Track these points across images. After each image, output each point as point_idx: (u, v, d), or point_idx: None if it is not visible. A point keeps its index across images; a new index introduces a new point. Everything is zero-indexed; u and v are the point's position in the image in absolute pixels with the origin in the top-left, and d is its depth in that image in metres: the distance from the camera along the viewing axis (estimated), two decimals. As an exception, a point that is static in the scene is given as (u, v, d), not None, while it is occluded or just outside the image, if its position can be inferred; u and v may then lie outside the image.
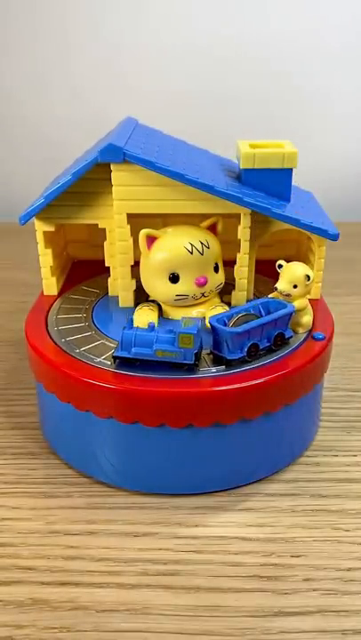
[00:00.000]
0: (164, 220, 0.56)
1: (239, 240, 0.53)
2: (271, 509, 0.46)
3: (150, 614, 0.39)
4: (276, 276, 0.60)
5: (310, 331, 0.51)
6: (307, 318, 0.50)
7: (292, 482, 0.49)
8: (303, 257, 0.61)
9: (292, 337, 0.49)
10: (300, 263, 0.50)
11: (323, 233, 0.53)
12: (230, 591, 0.40)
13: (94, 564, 0.42)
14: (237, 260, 0.53)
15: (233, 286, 0.54)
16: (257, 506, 0.47)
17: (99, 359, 0.46)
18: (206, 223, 0.52)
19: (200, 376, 0.44)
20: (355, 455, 0.52)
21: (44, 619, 0.38)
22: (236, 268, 0.53)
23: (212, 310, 0.50)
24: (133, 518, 0.46)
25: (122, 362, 0.46)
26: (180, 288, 0.50)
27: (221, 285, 0.52)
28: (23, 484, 0.49)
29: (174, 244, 0.49)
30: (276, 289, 0.49)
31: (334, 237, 0.53)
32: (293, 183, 0.56)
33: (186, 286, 0.50)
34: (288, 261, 0.50)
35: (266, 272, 0.60)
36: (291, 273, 0.49)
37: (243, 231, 0.52)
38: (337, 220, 0.68)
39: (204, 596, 0.40)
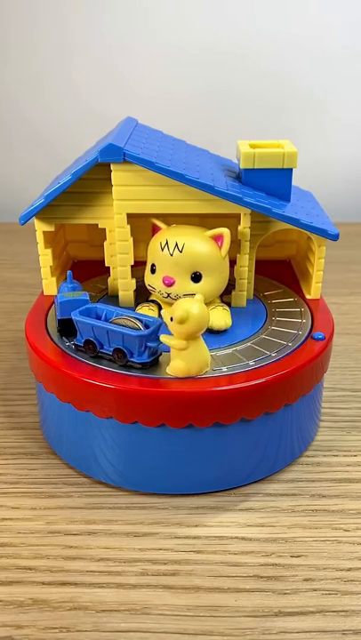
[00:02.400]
0: (165, 221, 0.56)
1: (239, 240, 0.53)
2: (271, 509, 0.46)
3: (150, 614, 0.39)
4: (275, 277, 0.60)
5: (309, 332, 0.50)
6: (177, 364, 0.44)
7: (292, 482, 0.49)
8: (303, 257, 0.61)
9: (145, 363, 0.45)
10: (196, 303, 0.42)
11: (323, 233, 0.53)
12: (230, 591, 0.40)
13: (94, 564, 0.42)
14: (237, 259, 0.53)
15: (233, 286, 0.54)
16: (257, 506, 0.47)
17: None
18: (211, 232, 0.50)
19: (200, 376, 0.44)
20: (355, 455, 0.52)
21: (44, 619, 0.38)
22: (236, 268, 0.53)
23: (212, 310, 0.50)
24: (133, 518, 0.46)
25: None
26: (152, 279, 0.51)
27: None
28: (23, 483, 0.49)
29: (157, 237, 0.51)
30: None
31: (334, 237, 0.53)
32: (293, 183, 0.57)
33: (156, 280, 0.51)
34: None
35: (266, 272, 0.60)
36: (175, 304, 0.43)
37: (243, 231, 0.52)
38: (337, 220, 0.68)
39: (204, 596, 0.40)
